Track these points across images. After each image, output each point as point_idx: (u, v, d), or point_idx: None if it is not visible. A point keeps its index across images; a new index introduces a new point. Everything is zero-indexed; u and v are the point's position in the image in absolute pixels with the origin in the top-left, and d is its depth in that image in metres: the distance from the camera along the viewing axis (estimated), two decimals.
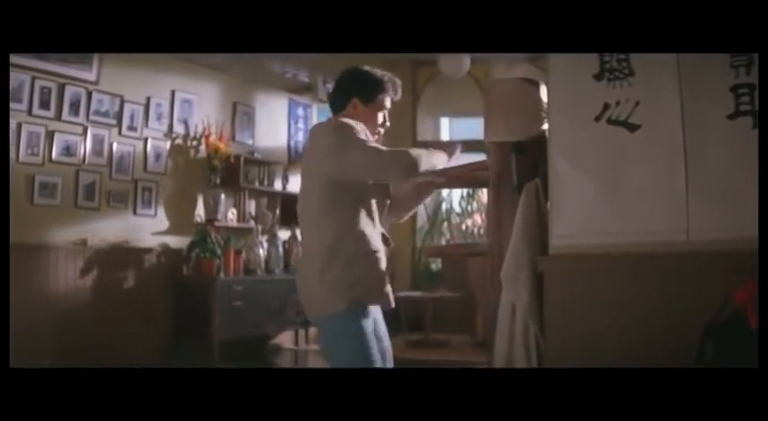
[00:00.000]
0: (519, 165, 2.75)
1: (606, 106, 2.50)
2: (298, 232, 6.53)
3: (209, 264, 5.59)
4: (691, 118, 2.34)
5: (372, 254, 2.23)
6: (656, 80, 2.41)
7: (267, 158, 6.64)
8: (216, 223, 5.89)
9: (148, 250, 5.58)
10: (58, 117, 4.97)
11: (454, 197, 7.80)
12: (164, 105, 5.77)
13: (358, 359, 2.18)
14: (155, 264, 5.62)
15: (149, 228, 5.62)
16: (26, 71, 4.74)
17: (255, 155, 6.50)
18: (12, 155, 4.60)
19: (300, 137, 7.17)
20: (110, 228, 5.29)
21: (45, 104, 4.89)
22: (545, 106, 2.79)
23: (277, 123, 6.93)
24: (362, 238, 2.22)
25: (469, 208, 7.70)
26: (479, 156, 3.33)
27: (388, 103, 2.43)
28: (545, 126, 2.77)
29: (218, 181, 6.06)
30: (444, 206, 7.85)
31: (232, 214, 6.22)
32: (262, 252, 6.21)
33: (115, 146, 5.36)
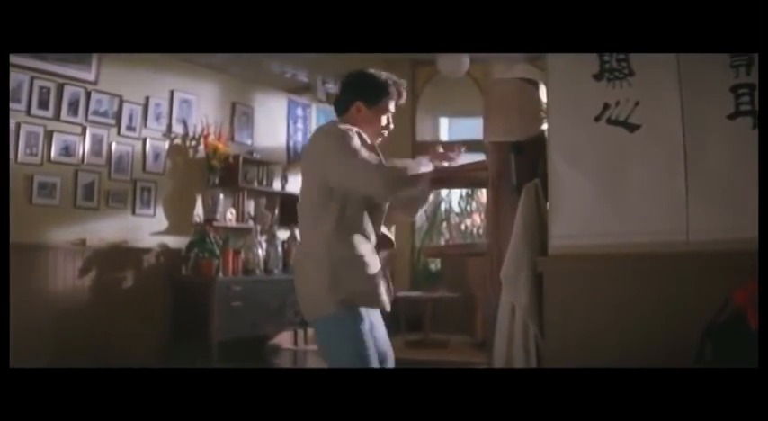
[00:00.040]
0: (518, 166, 2.75)
1: (606, 106, 2.49)
2: (297, 232, 6.53)
3: (207, 265, 5.59)
4: (691, 118, 2.34)
5: (362, 257, 2.23)
6: (656, 80, 2.40)
7: (266, 158, 6.63)
8: (215, 223, 5.88)
9: (147, 250, 5.58)
10: (57, 117, 4.96)
11: (453, 197, 7.80)
12: (162, 105, 5.76)
13: (354, 359, 2.17)
14: (153, 264, 5.61)
15: (148, 228, 5.61)
16: (25, 71, 4.73)
17: (254, 155, 6.49)
18: (11, 155, 4.59)
19: (299, 137, 7.16)
20: (109, 228, 5.28)
21: (44, 104, 4.88)
22: (544, 106, 2.78)
23: (276, 123, 6.92)
24: (353, 242, 2.22)
25: (468, 208, 7.70)
26: (479, 156, 3.32)
27: (392, 107, 2.42)
28: (544, 126, 2.77)
29: (216, 181, 6.05)
30: (443, 206, 7.85)
31: (231, 214, 6.21)
32: (261, 252, 6.20)
33: (114, 146, 5.35)
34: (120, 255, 5.36)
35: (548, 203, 2.64)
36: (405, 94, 2.45)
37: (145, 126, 5.60)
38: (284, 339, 6.67)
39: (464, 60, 6.69)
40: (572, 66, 2.57)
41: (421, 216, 7.65)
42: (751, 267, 1.83)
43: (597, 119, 2.51)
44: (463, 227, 7.67)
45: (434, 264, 7.55)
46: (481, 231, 7.35)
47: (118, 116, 5.39)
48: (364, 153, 2.20)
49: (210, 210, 5.97)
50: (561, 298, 2.52)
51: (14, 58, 4.51)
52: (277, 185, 6.75)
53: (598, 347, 2.39)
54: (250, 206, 6.53)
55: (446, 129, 8.50)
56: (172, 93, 5.84)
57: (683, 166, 2.34)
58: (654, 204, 2.39)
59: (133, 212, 5.50)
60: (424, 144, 7.84)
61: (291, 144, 7.07)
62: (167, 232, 5.74)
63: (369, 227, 2.30)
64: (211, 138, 6.03)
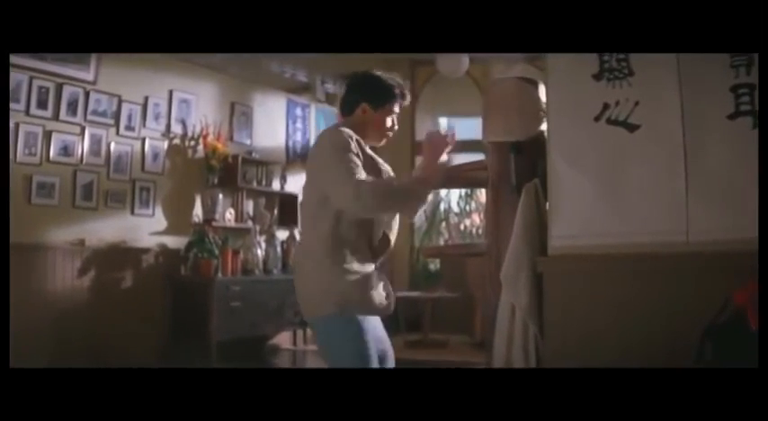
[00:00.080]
0: (518, 165, 2.75)
1: (606, 106, 2.49)
2: (296, 232, 6.53)
3: (206, 265, 5.58)
4: (691, 118, 2.34)
5: (356, 265, 2.22)
6: (656, 80, 2.40)
7: (265, 158, 6.63)
8: (214, 223, 5.88)
9: (146, 250, 5.57)
10: (56, 117, 4.96)
11: (452, 197, 7.80)
12: (161, 105, 5.75)
13: (355, 360, 2.17)
14: (152, 264, 5.61)
15: (147, 228, 5.60)
16: (24, 71, 4.73)
17: (253, 155, 6.49)
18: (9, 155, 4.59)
19: (298, 137, 7.16)
20: (107, 228, 5.28)
21: (43, 104, 4.87)
22: (544, 106, 2.78)
23: (275, 123, 6.92)
24: (350, 247, 2.21)
25: (468, 208, 7.70)
26: (478, 156, 3.32)
27: (396, 109, 2.43)
28: (544, 126, 2.77)
29: (215, 181, 6.04)
30: (443, 206, 7.85)
31: (230, 214, 6.21)
32: (260, 252, 6.20)
33: (113, 146, 5.34)
34: (119, 255, 5.35)
35: (547, 203, 2.64)
36: (408, 96, 2.46)
37: (144, 126, 5.60)
38: (283, 339, 6.67)
39: (463, 60, 6.69)
40: (572, 66, 2.57)
41: (420, 216, 7.66)
42: (751, 267, 1.83)
43: (597, 119, 2.51)
44: (462, 227, 7.67)
45: (434, 265, 7.54)
46: (480, 231, 7.35)
47: (117, 116, 5.38)
48: (354, 167, 2.15)
49: (209, 210, 5.97)
50: (561, 298, 2.52)
51: (13, 58, 4.50)
52: (276, 185, 6.74)
53: (598, 347, 2.39)
54: (249, 206, 6.52)
55: (445, 129, 8.49)
56: (171, 92, 5.83)
57: (683, 166, 2.34)
58: (654, 204, 2.39)
59: (132, 212, 5.49)
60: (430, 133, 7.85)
61: (290, 144, 7.06)
62: (166, 232, 5.74)
63: (367, 231, 2.29)
64: (210, 138, 6.03)
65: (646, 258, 2.38)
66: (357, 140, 2.24)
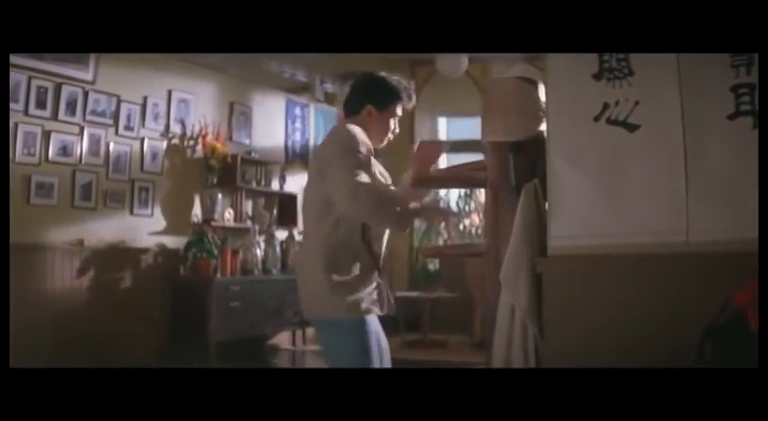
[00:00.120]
0: (517, 165, 2.74)
1: (605, 106, 2.49)
2: (295, 232, 6.53)
3: (205, 265, 5.58)
4: (691, 118, 2.33)
5: (357, 266, 2.23)
6: (656, 80, 2.40)
7: (264, 158, 6.63)
8: (213, 223, 5.88)
9: (145, 250, 5.57)
10: (55, 117, 4.96)
11: (452, 197, 7.79)
12: (160, 105, 5.75)
13: (357, 361, 2.17)
14: (151, 264, 5.61)
15: (146, 228, 5.60)
16: (23, 71, 4.73)
17: (252, 155, 6.49)
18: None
19: (298, 137, 7.16)
20: (106, 228, 5.28)
21: (41, 104, 4.87)
22: (543, 106, 2.78)
23: (274, 123, 6.92)
24: (350, 250, 2.22)
25: (467, 208, 7.69)
26: (477, 156, 3.32)
27: (400, 111, 2.44)
28: (543, 126, 2.77)
29: (215, 181, 6.04)
30: (441, 206, 7.83)
31: (229, 214, 6.21)
32: (259, 252, 6.20)
33: (112, 146, 5.34)
34: (118, 255, 5.35)
35: (547, 203, 2.63)
36: (414, 99, 2.46)
37: (143, 126, 5.60)
38: (282, 339, 6.67)
39: (463, 60, 6.69)
40: (571, 65, 2.56)
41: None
42: (751, 268, 1.82)
43: (597, 119, 2.50)
44: (462, 227, 7.67)
45: (433, 265, 7.54)
46: (480, 231, 7.34)
47: (116, 116, 5.38)
48: (358, 168, 2.16)
49: (208, 209, 5.97)
50: (561, 298, 2.52)
51: (12, 58, 4.49)
52: (275, 185, 6.74)
53: (597, 348, 2.38)
54: (248, 206, 6.52)
55: (445, 128, 8.49)
56: (170, 92, 5.83)
57: (683, 166, 2.34)
58: (654, 204, 2.38)
59: (131, 212, 5.49)
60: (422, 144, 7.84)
61: (290, 144, 7.06)
62: (165, 232, 5.74)
63: (371, 232, 2.30)
64: (209, 138, 6.03)
65: (646, 258, 2.37)
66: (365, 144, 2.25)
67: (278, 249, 6.42)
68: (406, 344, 6.10)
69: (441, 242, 7.70)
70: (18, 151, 4.71)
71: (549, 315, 2.53)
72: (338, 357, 2.24)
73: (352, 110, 2.42)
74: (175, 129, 5.87)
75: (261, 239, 6.32)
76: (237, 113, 6.49)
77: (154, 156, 5.67)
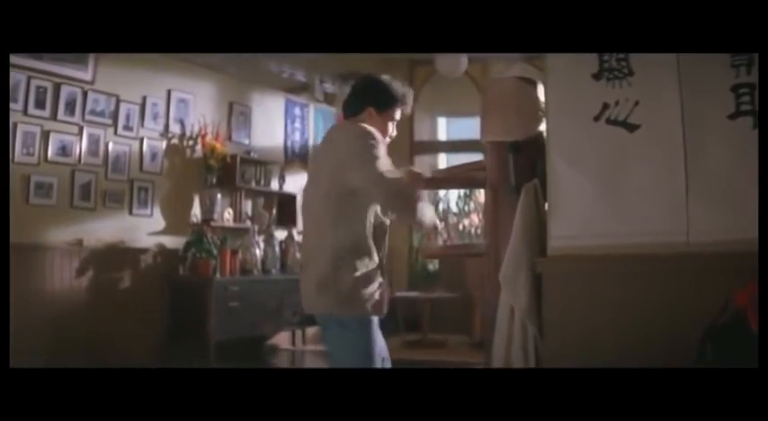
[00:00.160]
0: (517, 165, 2.74)
1: (605, 106, 2.49)
2: (294, 232, 6.52)
3: (205, 265, 5.57)
4: (691, 118, 2.33)
5: (374, 265, 2.24)
6: (656, 80, 2.40)
7: (264, 158, 6.61)
8: (212, 223, 5.87)
9: (144, 250, 5.56)
10: (54, 117, 4.94)
11: (451, 197, 7.79)
12: (160, 105, 5.74)
13: (362, 360, 2.18)
14: (151, 264, 5.60)
15: (145, 229, 5.59)
16: (22, 70, 4.71)
17: (252, 154, 6.47)
18: None
19: (297, 136, 7.15)
20: (106, 229, 5.27)
21: (41, 104, 4.86)
22: (542, 105, 2.78)
23: (273, 123, 6.91)
24: (370, 249, 2.24)
25: (466, 208, 7.68)
26: (477, 156, 3.32)
27: (398, 116, 2.45)
28: (542, 126, 2.76)
29: (214, 181, 6.03)
30: (441, 206, 7.83)
31: (228, 214, 6.20)
32: (258, 252, 6.19)
33: (111, 145, 5.33)
34: (118, 256, 5.34)
35: (547, 204, 2.63)
36: (411, 104, 2.48)
37: (142, 126, 5.58)
38: (282, 339, 6.66)
39: (462, 60, 6.68)
40: (571, 65, 2.56)
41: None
42: (751, 268, 1.82)
43: (596, 119, 2.50)
44: (461, 227, 7.66)
45: (432, 265, 7.53)
46: (479, 231, 7.34)
47: (115, 116, 5.37)
48: (387, 163, 2.23)
49: (208, 209, 5.96)
50: (560, 298, 2.52)
51: (12, 58, 4.49)
52: (274, 185, 6.73)
53: (597, 348, 2.38)
54: (247, 206, 6.51)
55: (444, 128, 8.49)
56: (169, 92, 5.82)
57: (683, 166, 2.34)
58: (654, 204, 2.39)
59: (130, 212, 5.48)
60: (422, 144, 7.84)
61: (289, 144, 7.05)
62: (164, 232, 5.73)
63: (379, 232, 2.30)
64: (209, 138, 6.02)
65: (646, 259, 2.37)
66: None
67: (277, 249, 6.41)
68: (405, 344, 6.10)
69: (440, 242, 7.69)
70: (17, 151, 4.69)
71: (548, 315, 2.53)
72: (342, 356, 2.24)
73: (352, 110, 2.42)
74: (175, 128, 5.85)
75: (260, 239, 6.31)
76: (237, 113, 6.48)
77: (153, 156, 5.66)
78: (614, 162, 2.46)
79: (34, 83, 4.80)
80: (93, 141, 5.21)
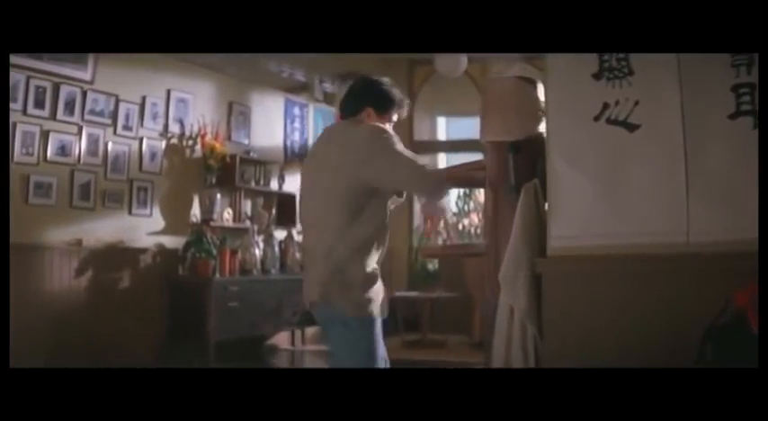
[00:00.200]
0: (516, 165, 2.74)
1: (605, 106, 2.48)
2: (294, 232, 6.52)
3: (204, 265, 5.57)
4: (691, 118, 2.33)
5: (370, 266, 2.25)
6: (656, 80, 2.39)
7: (263, 158, 6.62)
8: (212, 223, 5.87)
9: (144, 250, 5.56)
10: (53, 116, 4.94)
11: (451, 197, 7.79)
12: (159, 105, 5.74)
13: (366, 360, 2.18)
14: (150, 264, 5.60)
15: (145, 228, 5.59)
16: (21, 70, 4.71)
17: (251, 154, 6.48)
18: None
19: (296, 136, 7.15)
20: (105, 228, 5.26)
21: (40, 104, 4.86)
22: (542, 105, 2.77)
23: (273, 123, 6.91)
24: (377, 249, 2.25)
25: (466, 208, 7.69)
26: (476, 156, 3.32)
27: (395, 118, 2.47)
28: (542, 125, 2.76)
29: (213, 181, 6.03)
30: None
31: (228, 214, 6.20)
32: (258, 252, 6.19)
33: (110, 145, 5.33)
34: (117, 256, 5.34)
35: (546, 204, 2.63)
36: (407, 109, 2.51)
37: (141, 125, 5.58)
38: (281, 339, 6.66)
39: (462, 60, 6.67)
40: (571, 65, 2.56)
41: (418, 215, 7.65)
42: (751, 268, 1.82)
43: (596, 118, 2.50)
44: (461, 226, 7.66)
45: (432, 264, 7.53)
46: (479, 231, 7.34)
47: (114, 116, 5.37)
48: (409, 154, 2.30)
49: (207, 209, 5.96)
50: (560, 299, 2.51)
51: (11, 58, 4.48)
52: (274, 185, 6.73)
53: (597, 348, 2.38)
54: (247, 206, 6.51)
55: (444, 128, 8.49)
56: (168, 92, 5.82)
57: (683, 166, 2.33)
58: (654, 204, 2.38)
59: (130, 212, 5.48)
60: (422, 143, 7.84)
61: (288, 143, 7.05)
62: (164, 232, 5.73)
63: (384, 231, 2.31)
64: (208, 138, 6.02)
65: (646, 259, 2.37)
66: None
67: (277, 249, 6.41)
68: (405, 344, 6.10)
69: (440, 242, 7.70)
70: (16, 151, 4.69)
71: (548, 315, 2.53)
72: (344, 355, 2.24)
73: (350, 111, 2.42)
74: (174, 128, 5.85)
75: (260, 239, 6.31)
76: (236, 113, 6.48)
77: (152, 155, 5.66)
78: (614, 162, 2.46)
79: (34, 83, 4.80)
80: (93, 141, 5.21)
